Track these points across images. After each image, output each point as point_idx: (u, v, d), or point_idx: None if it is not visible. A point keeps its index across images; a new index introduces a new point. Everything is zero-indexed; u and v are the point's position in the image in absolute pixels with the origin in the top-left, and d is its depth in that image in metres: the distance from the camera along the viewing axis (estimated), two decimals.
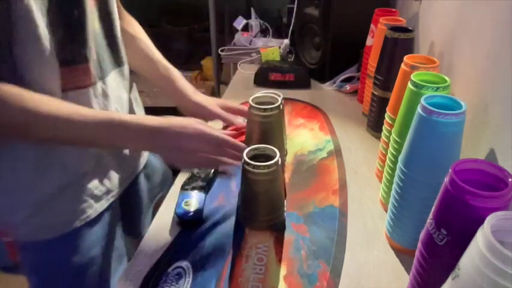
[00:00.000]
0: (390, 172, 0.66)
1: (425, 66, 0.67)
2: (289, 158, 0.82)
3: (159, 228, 0.65)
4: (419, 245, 0.47)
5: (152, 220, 0.69)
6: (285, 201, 0.68)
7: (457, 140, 0.53)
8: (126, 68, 0.72)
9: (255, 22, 1.54)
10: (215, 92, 1.88)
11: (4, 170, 0.61)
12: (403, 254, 0.60)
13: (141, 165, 0.80)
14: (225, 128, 0.85)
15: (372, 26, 0.97)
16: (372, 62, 0.91)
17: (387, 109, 0.73)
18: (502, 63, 0.57)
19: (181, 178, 0.75)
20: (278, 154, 0.60)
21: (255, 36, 1.51)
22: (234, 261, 0.59)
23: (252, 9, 1.56)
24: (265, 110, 0.66)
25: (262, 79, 1.16)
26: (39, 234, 0.66)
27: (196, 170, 0.74)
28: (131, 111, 0.76)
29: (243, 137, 0.74)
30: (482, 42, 0.64)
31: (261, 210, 0.63)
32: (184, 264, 0.58)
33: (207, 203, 0.69)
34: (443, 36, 0.83)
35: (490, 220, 0.33)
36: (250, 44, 1.46)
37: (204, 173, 0.74)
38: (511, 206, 0.40)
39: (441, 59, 0.75)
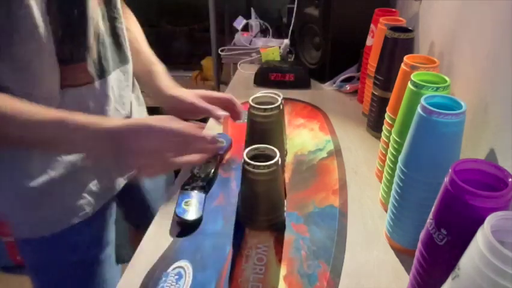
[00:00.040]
0: (390, 172, 0.66)
1: (425, 66, 0.67)
2: (289, 158, 0.82)
3: (159, 228, 0.65)
4: (419, 245, 0.47)
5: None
6: (285, 201, 0.68)
7: (457, 140, 0.53)
8: (130, 67, 0.72)
9: (255, 22, 1.54)
10: None
11: None
12: (403, 254, 0.60)
13: None
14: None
15: (372, 26, 0.97)
16: (372, 62, 0.91)
17: (387, 109, 0.73)
18: (502, 63, 0.57)
19: (181, 178, 0.75)
20: (278, 154, 0.60)
21: (255, 36, 1.51)
22: (234, 261, 0.59)
23: (252, 9, 1.56)
24: (265, 110, 0.66)
25: (262, 79, 1.16)
26: (36, 230, 0.66)
27: (196, 170, 0.74)
28: (133, 110, 0.77)
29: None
30: (482, 42, 0.64)
31: (261, 210, 0.63)
32: (184, 264, 0.58)
33: (207, 203, 0.69)
34: (443, 36, 0.83)
35: (490, 220, 0.33)
36: (250, 44, 1.46)
37: (204, 173, 0.74)
38: (511, 206, 0.40)
39: (441, 59, 0.75)
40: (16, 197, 0.64)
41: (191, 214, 0.65)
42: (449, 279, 0.36)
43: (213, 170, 0.75)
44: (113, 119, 0.56)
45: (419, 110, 0.53)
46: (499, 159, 0.55)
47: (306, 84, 1.15)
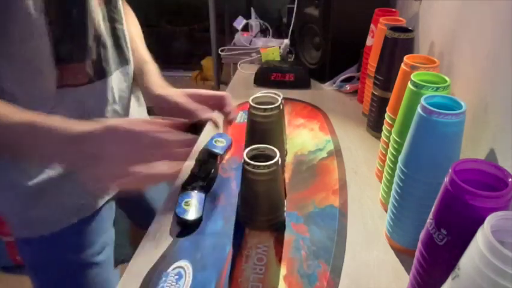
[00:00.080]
0: (390, 172, 0.66)
1: (425, 66, 0.67)
2: (289, 158, 0.82)
3: (159, 228, 0.65)
4: (419, 245, 0.47)
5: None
6: (285, 201, 0.68)
7: (457, 140, 0.53)
8: (131, 68, 0.72)
9: (255, 22, 1.54)
10: None
11: None
12: (403, 254, 0.60)
13: None
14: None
15: (372, 26, 0.97)
16: (372, 62, 0.91)
17: (387, 109, 0.73)
18: (502, 63, 0.57)
19: (181, 178, 0.75)
20: (278, 154, 0.60)
21: (255, 36, 1.51)
22: (234, 261, 0.59)
23: (252, 9, 1.56)
24: (265, 110, 0.66)
25: (262, 79, 1.16)
26: (35, 230, 0.66)
27: (196, 170, 0.74)
28: (133, 111, 0.76)
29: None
30: (482, 42, 0.64)
31: (261, 210, 0.63)
32: (184, 264, 0.58)
33: (207, 203, 0.69)
34: (443, 36, 0.83)
35: (490, 220, 0.33)
36: (250, 44, 1.46)
37: (204, 173, 0.74)
38: (511, 206, 0.40)
39: (441, 59, 0.75)
40: (15, 196, 0.64)
41: (191, 214, 0.65)
42: (449, 279, 0.36)
43: (213, 170, 0.75)
44: (88, 122, 0.50)
45: (419, 110, 0.53)
46: (499, 159, 0.55)
47: (306, 84, 1.15)
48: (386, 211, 0.64)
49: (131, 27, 0.78)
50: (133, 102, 0.77)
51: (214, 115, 0.67)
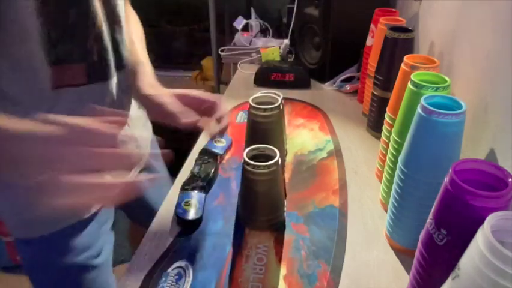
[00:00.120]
0: (390, 172, 0.66)
1: (425, 66, 0.67)
2: (289, 158, 0.82)
3: (159, 228, 0.65)
4: (419, 245, 0.47)
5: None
6: (285, 201, 0.68)
7: (457, 140, 0.53)
8: (127, 72, 0.72)
9: (255, 22, 1.54)
10: (215, 92, 1.88)
11: None
12: (403, 254, 0.60)
13: (140, 166, 0.79)
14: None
15: (372, 26, 0.97)
16: (372, 62, 0.91)
17: (387, 109, 0.73)
18: (502, 63, 0.57)
19: (181, 178, 0.75)
20: (278, 154, 0.60)
21: (255, 36, 1.51)
22: (234, 261, 0.59)
23: (252, 9, 1.56)
24: (265, 110, 0.66)
25: (262, 79, 1.16)
26: (35, 230, 0.66)
27: (196, 170, 0.74)
28: (132, 113, 0.76)
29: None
30: (482, 42, 0.64)
31: (261, 210, 0.63)
32: (184, 264, 0.58)
33: (207, 203, 0.69)
34: (443, 36, 0.83)
35: (490, 220, 0.33)
36: (250, 44, 1.46)
37: (204, 173, 0.74)
38: (511, 206, 0.40)
39: (441, 59, 0.75)
40: (15, 196, 0.64)
41: (191, 214, 0.65)
42: (449, 279, 0.36)
43: (213, 170, 0.75)
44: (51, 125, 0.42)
45: (419, 110, 0.53)
46: (499, 159, 0.55)
47: (306, 84, 1.15)
48: (386, 211, 0.64)
49: (131, 28, 0.78)
50: (133, 105, 0.77)
51: (203, 121, 0.61)
